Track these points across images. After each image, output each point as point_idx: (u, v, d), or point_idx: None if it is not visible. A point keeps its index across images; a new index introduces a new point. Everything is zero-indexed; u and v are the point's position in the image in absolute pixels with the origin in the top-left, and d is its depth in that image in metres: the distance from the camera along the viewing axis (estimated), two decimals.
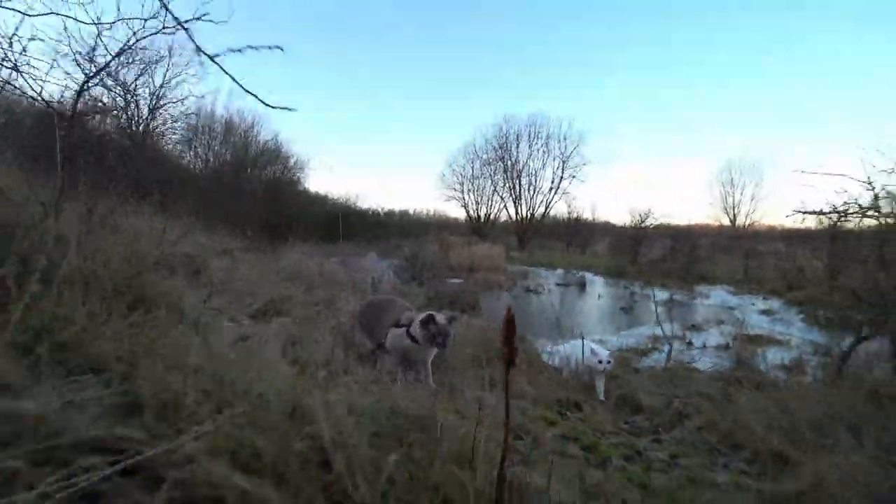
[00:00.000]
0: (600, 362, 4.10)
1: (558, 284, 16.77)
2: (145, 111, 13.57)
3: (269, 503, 0.92)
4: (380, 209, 28.87)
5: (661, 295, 14.14)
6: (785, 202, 43.37)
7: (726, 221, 31.16)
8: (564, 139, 31.52)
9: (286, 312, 4.03)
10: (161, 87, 13.63)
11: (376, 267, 10.59)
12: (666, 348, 6.07)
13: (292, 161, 23.13)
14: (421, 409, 1.33)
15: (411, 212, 34.92)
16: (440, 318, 2.76)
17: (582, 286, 16.84)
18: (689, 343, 7.97)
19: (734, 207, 30.98)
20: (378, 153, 48.36)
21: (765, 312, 12.81)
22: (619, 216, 42.37)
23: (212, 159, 19.37)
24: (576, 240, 30.59)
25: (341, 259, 10.51)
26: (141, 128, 13.27)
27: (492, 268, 16.58)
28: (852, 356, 4.27)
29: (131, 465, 0.88)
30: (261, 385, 1.20)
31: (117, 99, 11.75)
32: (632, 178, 47.16)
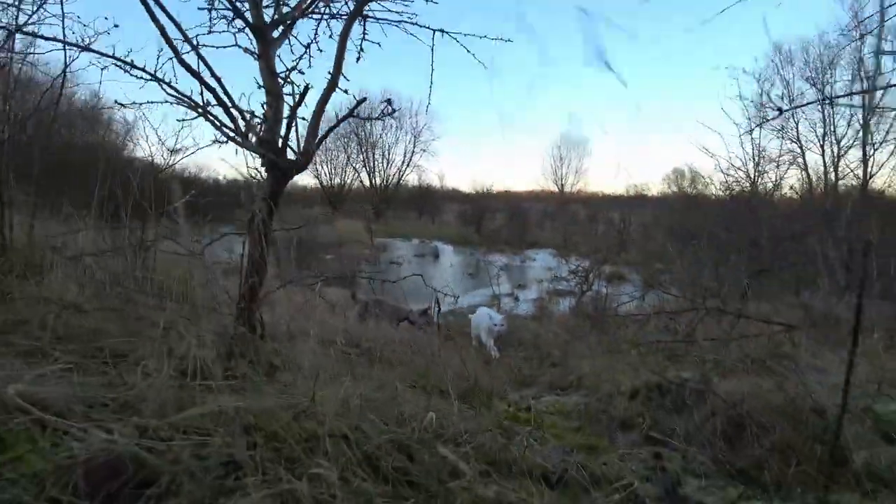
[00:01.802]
0: (496, 325, 5.02)
1: (416, 255, 19.14)
2: None
3: None
4: (222, 177, 27.44)
5: (500, 260, 17.51)
6: (604, 172, 53.06)
7: (556, 189, 37.05)
8: (416, 115, 33.58)
9: None
10: None
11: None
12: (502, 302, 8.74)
13: (116, 125, 20.50)
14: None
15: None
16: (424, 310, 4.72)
17: (436, 255, 19.51)
18: (517, 298, 10.99)
19: (562, 178, 36.98)
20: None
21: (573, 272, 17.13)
22: (467, 183, 46.79)
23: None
24: (427, 209, 33.38)
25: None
26: None
27: (357, 242, 18.13)
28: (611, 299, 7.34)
29: None
30: None
31: None
32: (479, 148, 51.99)
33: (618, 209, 25.94)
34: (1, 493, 0.96)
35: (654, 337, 3.69)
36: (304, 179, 34.56)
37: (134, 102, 2.31)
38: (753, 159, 15.93)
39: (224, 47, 2.23)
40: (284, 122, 2.15)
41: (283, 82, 2.18)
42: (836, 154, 16.65)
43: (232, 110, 2.09)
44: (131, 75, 2.05)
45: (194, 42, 2.02)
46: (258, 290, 2.33)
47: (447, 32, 2.33)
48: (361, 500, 1.12)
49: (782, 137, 15.61)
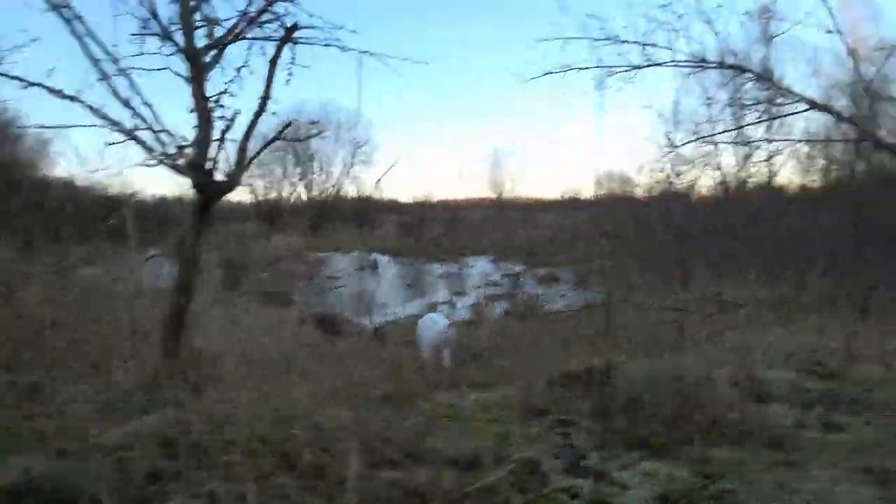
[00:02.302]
0: (441, 331, 4.54)
1: (355, 269, 18.85)
2: None
3: None
4: (150, 196, 25.68)
5: (440, 269, 17.69)
6: (540, 176, 55.09)
7: (494, 195, 37.97)
8: (354, 127, 33.21)
9: None
10: None
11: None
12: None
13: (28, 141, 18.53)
14: None
15: (183, 198, 31.89)
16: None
17: (375, 268, 19.32)
18: (454, 305, 11.16)
19: (500, 185, 38.05)
20: None
21: (505, 275, 17.61)
22: (405, 193, 46.77)
23: None
24: (366, 221, 32.99)
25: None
26: None
27: (294, 258, 17.58)
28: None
29: None
30: None
31: None
32: (416, 158, 52.27)
33: (553, 213, 27.07)
34: None
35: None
36: (238, 195, 33.10)
37: (58, 125, 2.21)
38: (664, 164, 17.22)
39: (155, 70, 2.19)
40: (216, 144, 2.15)
41: (213, 105, 2.17)
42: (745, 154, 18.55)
43: (161, 134, 2.08)
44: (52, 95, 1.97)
45: (123, 65, 2.00)
46: (185, 313, 2.28)
47: (373, 53, 2.44)
48: (277, 492, 1.20)
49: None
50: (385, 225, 32.62)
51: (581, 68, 4.75)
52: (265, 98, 2.20)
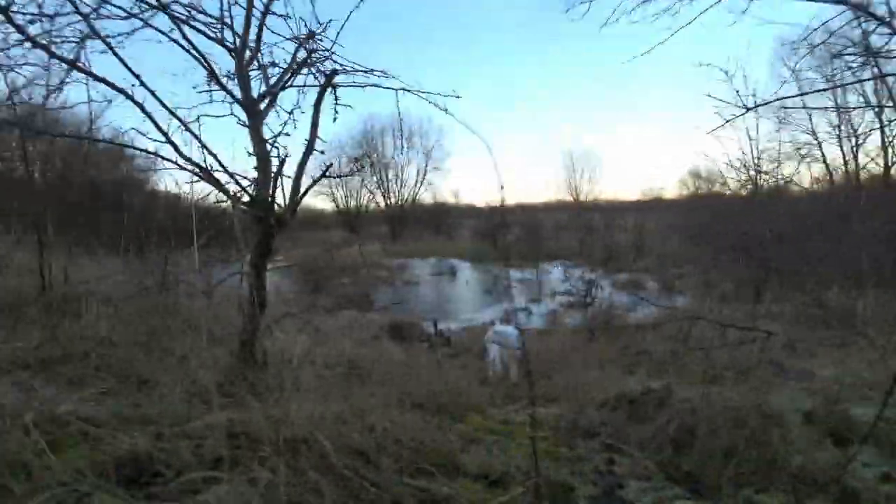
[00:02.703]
0: (515, 347, 4.42)
1: (433, 274, 19.35)
2: None
3: None
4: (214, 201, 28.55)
5: (516, 275, 17.57)
6: (618, 178, 52.75)
7: (571, 199, 36.93)
8: (426, 134, 34.20)
9: None
10: None
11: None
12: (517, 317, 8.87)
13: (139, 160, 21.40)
14: None
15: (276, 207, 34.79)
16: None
17: (453, 273, 19.68)
18: (530, 312, 11.06)
19: (577, 188, 36.93)
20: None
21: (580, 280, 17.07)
22: (482, 197, 47.07)
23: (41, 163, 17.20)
24: (443, 227, 33.68)
25: None
26: None
27: (374, 264, 18.49)
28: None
29: None
30: None
31: None
32: (491, 164, 52.25)
33: (633, 215, 25.69)
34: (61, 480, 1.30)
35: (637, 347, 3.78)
36: (322, 203, 35.53)
37: (151, 167, 2.66)
38: (753, 158, 15.55)
39: (221, 116, 2.58)
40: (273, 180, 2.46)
41: (270, 147, 2.48)
42: (854, 143, 16.25)
43: (228, 174, 2.44)
44: (147, 138, 2.41)
45: (193, 117, 2.42)
46: (258, 323, 2.60)
47: (409, 90, 2.60)
48: (308, 487, 1.40)
49: (779, 129, 15.19)
50: (462, 230, 33.14)
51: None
52: (312, 140, 2.47)
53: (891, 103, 11.46)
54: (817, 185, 15.81)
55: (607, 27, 4.01)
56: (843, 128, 15.88)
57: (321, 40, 2.58)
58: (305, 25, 2.56)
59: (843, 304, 6.35)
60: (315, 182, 2.49)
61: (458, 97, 2.48)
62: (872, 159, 15.40)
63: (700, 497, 1.63)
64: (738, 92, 2.88)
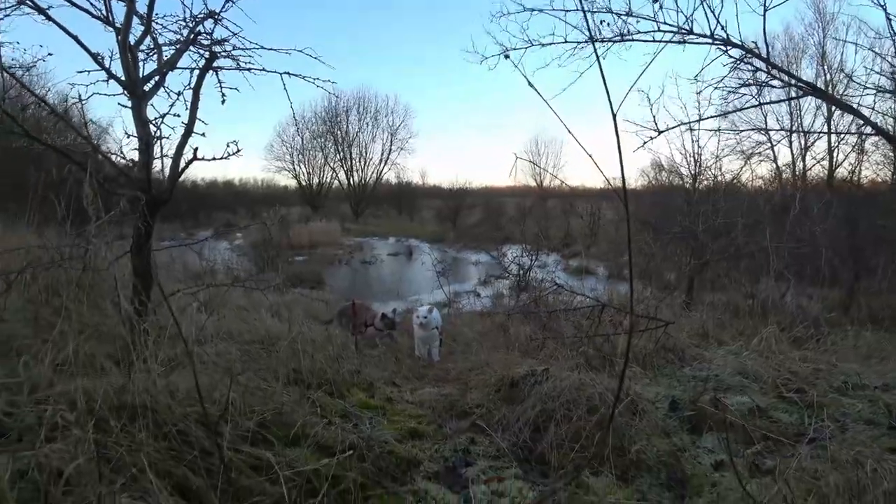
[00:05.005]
0: (417, 317, 4.50)
1: (390, 254, 19.25)
2: None
3: None
4: (199, 180, 28.05)
5: (473, 256, 17.71)
6: (583, 166, 53.77)
7: (534, 184, 37.34)
8: (391, 113, 33.60)
9: None
10: None
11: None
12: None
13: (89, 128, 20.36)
14: None
15: (236, 181, 33.84)
16: (389, 313, 4.78)
17: (409, 254, 19.62)
18: (478, 294, 11.24)
19: (540, 174, 37.32)
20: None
21: (540, 267, 17.38)
22: (447, 179, 46.95)
23: None
24: (405, 207, 33.47)
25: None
26: None
27: (330, 243, 18.21)
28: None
29: None
30: None
31: None
32: (462, 145, 52.34)
33: (595, 203, 26.33)
34: None
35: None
36: (285, 180, 34.55)
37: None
38: (693, 156, 16.23)
39: (113, 95, 2.48)
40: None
41: (156, 129, 2.43)
42: (803, 146, 17.23)
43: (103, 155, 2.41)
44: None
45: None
46: (145, 301, 2.54)
47: (293, 74, 2.64)
48: (132, 449, 1.41)
49: (738, 132, 15.94)
50: (425, 211, 32.98)
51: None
52: (191, 122, 2.43)
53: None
54: (762, 183, 16.58)
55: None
56: (793, 129, 16.79)
57: (220, 20, 2.52)
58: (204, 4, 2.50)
59: (773, 298, 6.72)
60: (188, 164, 2.45)
61: (334, 83, 2.52)
62: (818, 162, 16.40)
63: (543, 477, 1.71)
64: (654, 117, 4.19)
